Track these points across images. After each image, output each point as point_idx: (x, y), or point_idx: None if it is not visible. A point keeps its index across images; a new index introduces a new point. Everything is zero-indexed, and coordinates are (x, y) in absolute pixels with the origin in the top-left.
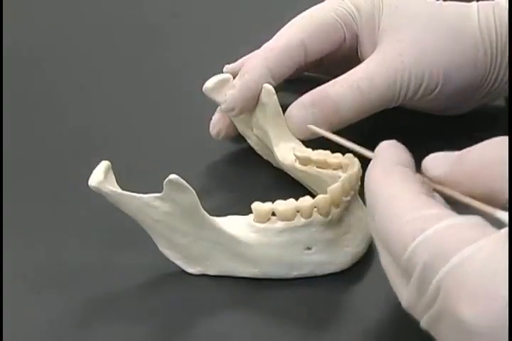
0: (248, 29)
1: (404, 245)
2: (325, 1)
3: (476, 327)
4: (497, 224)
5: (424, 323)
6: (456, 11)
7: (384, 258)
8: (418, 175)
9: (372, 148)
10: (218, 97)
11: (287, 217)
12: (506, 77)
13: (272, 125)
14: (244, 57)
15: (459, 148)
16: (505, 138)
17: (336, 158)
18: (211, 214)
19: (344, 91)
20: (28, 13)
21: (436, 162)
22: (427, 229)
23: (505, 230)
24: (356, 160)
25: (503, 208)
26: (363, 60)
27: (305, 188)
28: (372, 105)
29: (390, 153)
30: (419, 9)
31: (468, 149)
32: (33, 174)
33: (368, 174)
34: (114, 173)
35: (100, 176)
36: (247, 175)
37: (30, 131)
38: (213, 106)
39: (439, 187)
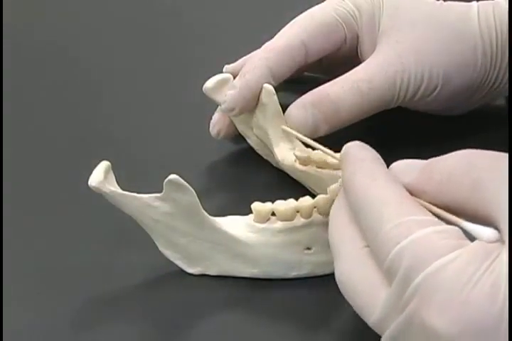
0: (248, 29)
1: (388, 249)
2: (325, 1)
3: (445, 334)
4: (468, 235)
5: (390, 332)
6: (456, 11)
7: (359, 268)
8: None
9: (372, 148)
10: (218, 97)
11: (287, 217)
12: (506, 77)
13: (272, 125)
14: (244, 57)
15: (460, 149)
16: (472, 151)
17: (336, 158)
18: (211, 214)
19: (344, 92)
20: (28, 15)
21: (403, 169)
22: (410, 235)
23: (477, 242)
24: None
25: (466, 220)
26: (363, 60)
27: (305, 188)
28: (372, 106)
29: (365, 154)
30: (419, 10)
31: (436, 159)
32: (33, 174)
33: (351, 177)
34: (114, 173)
35: (100, 176)
36: (247, 175)
37: (30, 130)
38: (213, 106)
39: None
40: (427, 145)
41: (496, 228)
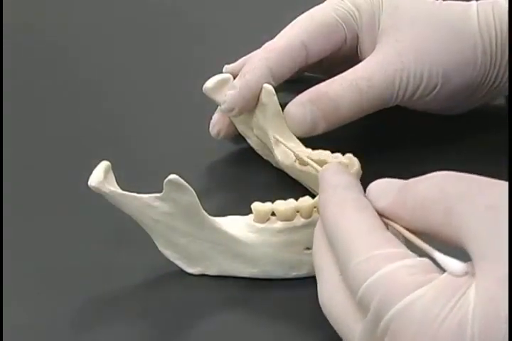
0: (248, 29)
1: (358, 283)
2: (325, 2)
3: None
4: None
5: None
6: (456, 10)
7: (338, 295)
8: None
9: (370, 148)
10: (218, 97)
11: (287, 217)
12: (506, 76)
13: (272, 125)
14: (244, 57)
15: (460, 148)
16: (446, 174)
17: (336, 158)
18: (211, 214)
19: (343, 89)
20: (28, 15)
21: (382, 190)
22: (379, 271)
23: (445, 276)
24: (356, 160)
25: (440, 245)
26: (363, 60)
27: (305, 188)
28: (371, 104)
29: (338, 180)
30: (419, 9)
31: (412, 181)
32: (33, 174)
33: (324, 206)
34: (114, 173)
35: (100, 176)
36: (247, 175)
37: (30, 130)
38: (213, 106)
39: (385, 220)
40: (426, 145)
41: (469, 254)
